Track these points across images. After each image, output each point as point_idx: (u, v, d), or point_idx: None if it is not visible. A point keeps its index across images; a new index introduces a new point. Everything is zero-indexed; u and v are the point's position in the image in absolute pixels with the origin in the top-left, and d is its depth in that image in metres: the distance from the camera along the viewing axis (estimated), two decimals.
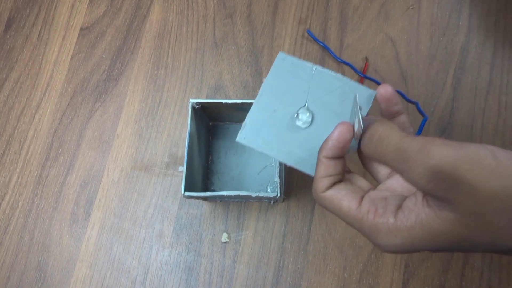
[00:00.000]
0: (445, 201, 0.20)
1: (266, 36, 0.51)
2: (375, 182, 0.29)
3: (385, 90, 0.28)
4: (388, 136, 0.23)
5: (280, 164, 0.39)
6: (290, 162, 0.29)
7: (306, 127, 0.29)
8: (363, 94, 0.29)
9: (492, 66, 0.48)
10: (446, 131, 0.46)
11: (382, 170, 0.28)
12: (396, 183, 0.27)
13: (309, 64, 0.30)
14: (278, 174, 0.38)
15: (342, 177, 0.27)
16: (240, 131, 0.29)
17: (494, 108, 0.46)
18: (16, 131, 0.50)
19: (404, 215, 0.23)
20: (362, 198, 0.25)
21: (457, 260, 0.42)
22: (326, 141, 0.26)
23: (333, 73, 0.30)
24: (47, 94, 0.51)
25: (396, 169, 0.22)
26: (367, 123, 0.25)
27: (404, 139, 0.22)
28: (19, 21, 0.54)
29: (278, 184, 0.38)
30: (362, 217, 0.24)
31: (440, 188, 0.20)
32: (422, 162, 0.20)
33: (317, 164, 0.27)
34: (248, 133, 0.30)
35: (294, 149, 0.29)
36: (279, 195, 0.37)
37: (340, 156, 0.26)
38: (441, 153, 0.20)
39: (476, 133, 0.46)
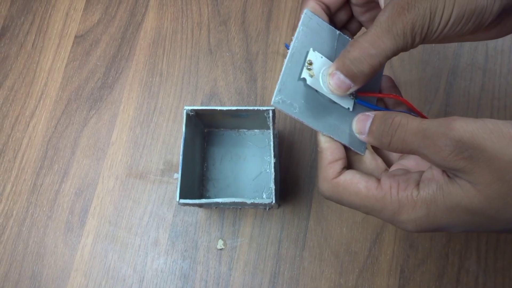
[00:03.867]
0: (466, 173, 0.21)
1: (260, 42, 0.51)
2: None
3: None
4: (407, 122, 0.23)
5: (276, 170, 0.39)
6: (327, 131, 0.27)
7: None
8: None
9: (484, 71, 0.48)
10: None
11: (393, 154, 0.28)
12: (408, 163, 0.27)
13: (332, 28, 0.28)
14: (273, 180, 0.38)
15: (346, 162, 0.27)
16: (275, 94, 0.26)
17: (487, 113, 0.47)
18: (10, 139, 0.50)
19: (426, 185, 0.23)
20: (379, 178, 0.25)
21: (452, 265, 0.42)
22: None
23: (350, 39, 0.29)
24: (41, 102, 0.51)
25: (417, 150, 0.22)
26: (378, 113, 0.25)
27: (423, 121, 0.22)
28: (13, 29, 0.54)
29: (273, 191, 0.38)
30: (385, 195, 0.24)
31: (462, 157, 0.20)
32: (444, 134, 0.21)
33: (319, 153, 0.26)
34: (284, 97, 0.26)
35: (330, 118, 0.27)
36: (274, 201, 0.37)
37: None
38: (462, 125, 0.20)
39: None
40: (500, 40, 0.49)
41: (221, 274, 0.44)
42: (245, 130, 0.47)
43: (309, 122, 0.26)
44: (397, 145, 0.23)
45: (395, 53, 0.23)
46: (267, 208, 0.45)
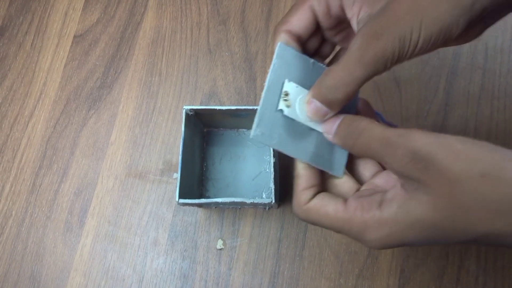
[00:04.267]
0: (420, 183, 0.22)
1: (259, 42, 0.51)
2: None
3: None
4: (372, 127, 0.24)
5: (275, 170, 0.39)
6: (306, 159, 0.28)
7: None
8: None
9: (484, 71, 0.48)
10: None
11: (365, 172, 0.29)
12: (379, 181, 0.28)
13: (306, 57, 0.29)
14: (273, 180, 0.38)
15: (321, 189, 0.28)
16: (253, 128, 0.27)
17: (487, 113, 0.47)
18: (9, 139, 0.50)
19: (387, 205, 0.24)
20: (345, 200, 0.26)
21: (452, 265, 0.42)
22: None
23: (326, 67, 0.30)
24: (40, 102, 0.51)
25: (379, 156, 0.24)
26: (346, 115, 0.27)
27: (386, 129, 0.24)
28: (12, 29, 0.54)
29: (273, 190, 0.38)
30: (350, 216, 0.25)
31: (417, 167, 0.22)
32: (403, 145, 0.22)
33: (295, 178, 0.28)
34: (263, 130, 0.27)
35: (308, 145, 0.28)
36: (274, 201, 0.37)
37: None
38: (419, 137, 0.22)
39: (469, 137, 0.46)
40: (500, 39, 0.49)
41: (221, 274, 0.43)
42: (244, 129, 0.47)
43: (289, 151, 0.28)
44: (360, 148, 0.25)
45: (368, 79, 0.25)
46: (267, 208, 0.45)
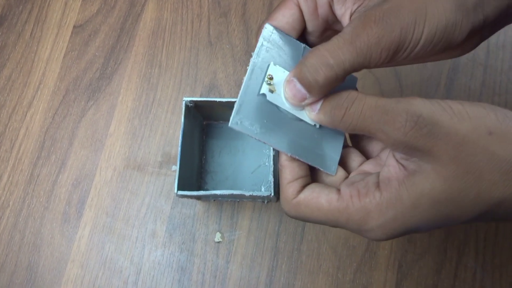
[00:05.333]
0: (424, 152, 0.20)
1: None
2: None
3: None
4: (364, 96, 0.22)
5: (275, 163, 0.39)
6: (292, 152, 0.25)
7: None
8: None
9: (485, 67, 0.48)
10: None
11: (352, 162, 0.27)
12: (367, 167, 0.26)
13: (297, 41, 0.26)
14: (272, 173, 0.38)
15: (309, 180, 0.26)
16: (232, 115, 0.24)
17: None
18: (7, 129, 0.49)
19: (386, 185, 0.22)
20: (338, 189, 0.24)
21: (450, 260, 0.42)
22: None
23: None
24: (39, 92, 0.51)
25: (375, 126, 0.21)
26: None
27: (380, 98, 0.22)
28: (11, 18, 0.53)
29: (272, 183, 0.37)
30: (347, 205, 0.23)
31: (422, 133, 0.20)
32: (404, 109, 0.20)
33: (280, 170, 0.25)
34: (243, 117, 0.24)
35: (295, 137, 0.25)
36: (273, 194, 0.37)
37: None
38: (420, 102, 0.21)
39: None
40: (502, 35, 0.49)
41: (219, 267, 0.43)
42: None
43: (273, 143, 0.25)
44: (351, 120, 0.22)
45: (354, 67, 0.22)
46: (266, 201, 0.45)
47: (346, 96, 0.22)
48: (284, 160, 0.25)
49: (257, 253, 0.44)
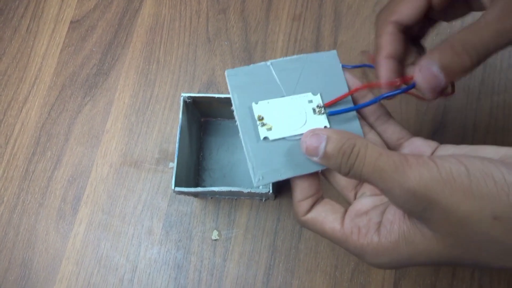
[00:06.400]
0: (423, 221, 0.21)
1: (259, 32, 0.50)
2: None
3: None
4: (366, 154, 0.22)
5: None
6: (313, 169, 0.25)
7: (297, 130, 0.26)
8: (326, 59, 0.27)
9: (484, 66, 0.48)
10: (439, 131, 0.46)
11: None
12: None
13: (261, 63, 0.27)
14: None
15: (320, 195, 0.27)
16: (252, 175, 0.25)
17: (486, 108, 0.46)
18: (2, 124, 0.49)
19: (387, 231, 0.22)
20: (343, 217, 0.25)
21: None
22: None
23: (287, 58, 0.28)
24: (35, 87, 0.50)
25: (376, 187, 0.22)
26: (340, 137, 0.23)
27: (381, 157, 0.21)
28: (7, 12, 0.53)
29: None
30: (347, 239, 0.24)
31: (417, 209, 0.20)
32: (398, 184, 0.20)
33: (292, 188, 0.26)
34: (262, 171, 0.25)
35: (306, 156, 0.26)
36: (271, 191, 0.37)
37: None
38: (415, 175, 0.20)
39: (468, 132, 0.46)
40: None
41: (216, 265, 0.43)
42: None
43: (299, 172, 0.25)
44: (355, 177, 0.23)
45: (496, 50, 0.22)
46: (263, 199, 0.44)
47: (349, 154, 0.22)
48: (295, 179, 0.26)
49: (254, 251, 0.43)
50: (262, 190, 0.36)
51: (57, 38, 0.52)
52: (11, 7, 0.53)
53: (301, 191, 0.26)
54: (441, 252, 0.21)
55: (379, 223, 0.23)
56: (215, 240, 0.44)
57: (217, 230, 0.44)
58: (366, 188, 0.27)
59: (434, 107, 0.47)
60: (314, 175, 0.26)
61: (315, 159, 0.24)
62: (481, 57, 0.22)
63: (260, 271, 0.43)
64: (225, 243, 0.44)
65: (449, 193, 0.19)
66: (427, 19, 0.28)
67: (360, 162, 0.22)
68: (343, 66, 0.28)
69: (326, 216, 0.25)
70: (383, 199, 0.25)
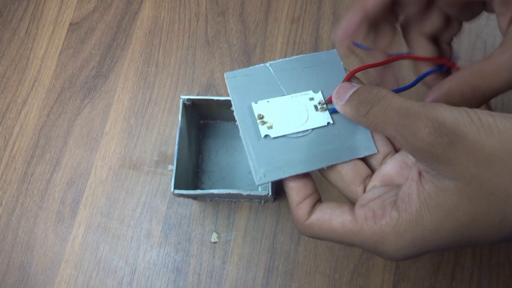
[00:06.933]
0: (443, 163, 0.19)
1: (258, 34, 0.50)
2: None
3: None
4: (392, 96, 0.21)
5: None
6: (326, 163, 0.25)
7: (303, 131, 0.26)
8: (326, 59, 0.27)
9: None
10: None
11: (372, 159, 0.26)
12: (391, 170, 0.24)
13: (260, 65, 0.27)
14: None
15: (318, 196, 0.25)
16: (254, 173, 0.25)
17: (484, 109, 0.46)
18: (1, 127, 0.49)
19: (406, 203, 0.20)
20: (352, 208, 0.23)
21: (447, 261, 0.42)
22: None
23: (287, 59, 0.28)
24: (34, 89, 0.50)
25: (395, 128, 0.20)
26: (352, 90, 0.23)
27: (408, 100, 0.21)
28: (6, 15, 0.53)
29: (270, 183, 0.37)
30: (361, 227, 0.21)
31: (440, 142, 0.18)
32: (426, 114, 0.19)
33: (286, 193, 0.25)
34: (264, 169, 0.24)
35: (317, 148, 0.25)
36: (270, 193, 0.37)
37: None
38: (445, 108, 0.19)
39: None
40: (498, 37, 0.49)
41: (215, 267, 0.43)
42: None
43: (304, 169, 0.24)
44: (373, 118, 0.21)
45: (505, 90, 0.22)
46: (263, 201, 0.44)
47: (375, 93, 0.22)
48: (288, 181, 0.24)
49: (253, 254, 0.43)
50: (261, 192, 0.36)
51: (56, 40, 0.52)
52: (10, 9, 0.53)
53: (297, 192, 0.24)
54: (467, 210, 0.19)
55: (395, 201, 0.21)
56: (214, 242, 0.44)
57: (216, 232, 0.44)
58: (376, 180, 0.24)
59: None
60: (307, 175, 0.25)
61: (340, 103, 0.24)
62: (486, 101, 0.22)
63: (259, 273, 0.43)
64: (224, 245, 0.44)
65: (476, 128, 0.18)
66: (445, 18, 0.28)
67: (385, 101, 0.21)
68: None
69: (332, 212, 0.23)
70: (396, 186, 0.23)
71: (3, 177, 0.47)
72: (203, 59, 0.50)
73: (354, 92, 0.23)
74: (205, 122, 0.47)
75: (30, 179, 0.47)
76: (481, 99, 0.22)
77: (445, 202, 0.19)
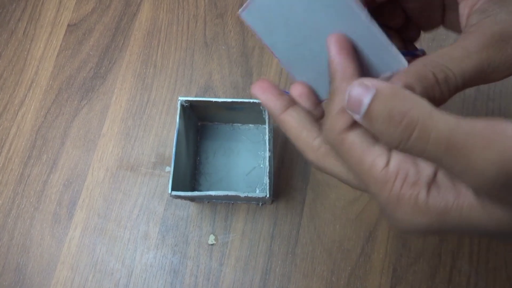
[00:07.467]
0: (501, 202, 0.16)
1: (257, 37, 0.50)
2: None
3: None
4: (428, 124, 0.16)
5: (270, 164, 0.38)
6: (291, 69, 0.21)
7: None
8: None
9: None
10: None
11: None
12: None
13: None
14: (267, 174, 0.37)
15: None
16: (246, 5, 0.21)
17: (482, 114, 0.47)
18: None
19: (439, 194, 0.18)
20: (389, 153, 0.19)
21: (444, 265, 0.42)
22: (332, 61, 0.20)
23: None
24: (31, 90, 0.50)
25: (441, 164, 0.17)
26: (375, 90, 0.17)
27: (458, 128, 0.16)
28: (4, 15, 0.53)
29: (268, 185, 0.37)
30: (387, 182, 0.18)
31: (505, 192, 0.16)
32: (491, 162, 0.15)
33: (332, 94, 0.20)
34: (255, 11, 0.21)
35: (305, 54, 0.21)
36: (268, 195, 0.36)
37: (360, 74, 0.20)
38: (506, 136, 0.15)
39: None
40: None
41: (212, 269, 0.43)
42: (239, 124, 0.47)
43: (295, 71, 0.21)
44: (411, 148, 0.17)
45: (473, 83, 0.20)
46: (260, 203, 0.44)
47: (407, 111, 0.16)
48: (342, 79, 0.19)
49: (251, 256, 0.43)
50: (259, 194, 0.36)
51: (54, 42, 0.52)
52: (8, 10, 0.53)
53: (342, 98, 0.19)
54: (507, 229, 0.17)
55: (432, 180, 0.18)
56: (212, 244, 0.44)
57: (213, 234, 0.44)
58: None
59: None
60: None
61: (357, 117, 0.18)
62: (459, 90, 0.19)
63: (257, 276, 0.43)
64: (221, 247, 0.43)
65: None
66: (408, 20, 0.26)
67: (422, 135, 0.16)
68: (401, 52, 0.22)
69: (369, 146, 0.19)
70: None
71: (0, 178, 0.47)
72: (201, 61, 0.50)
73: (371, 104, 0.17)
74: (203, 124, 0.47)
75: (26, 180, 0.47)
76: (452, 89, 0.19)
77: (483, 221, 0.17)
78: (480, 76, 0.19)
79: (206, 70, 0.50)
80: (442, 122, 0.16)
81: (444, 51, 0.20)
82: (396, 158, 0.19)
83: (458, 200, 0.18)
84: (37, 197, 0.46)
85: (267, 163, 0.38)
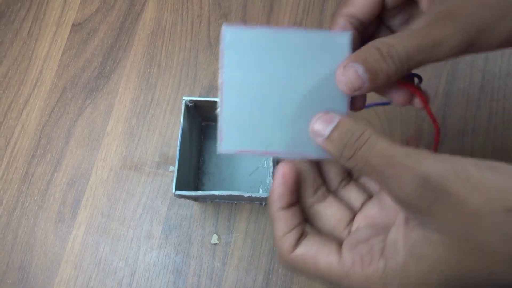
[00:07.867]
0: (429, 216, 0.18)
1: None
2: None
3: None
4: (376, 140, 0.20)
5: (274, 164, 0.38)
6: (311, 153, 0.23)
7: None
8: (333, 41, 0.23)
9: (483, 73, 0.48)
10: None
11: (356, 198, 0.25)
12: (373, 211, 0.24)
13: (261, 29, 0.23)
14: (270, 174, 0.38)
15: (304, 226, 0.23)
16: (218, 141, 0.23)
17: (485, 115, 0.47)
18: (2, 126, 0.49)
19: (392, 252, 0.20)
20: (339, 249, 0.22)
21: None
22: (271, 192, 0.23)
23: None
24: (36, 90, 0.50)
25: (380, 177, 0.20)
26: (335, 122, 0.22)
27: (392, 145, 0.20)
28: (9, 15, 0.53)
29: (271, 185, 0.37)
30: (347, 273, 0.21)
31: (426, 198, 0.18)
32: (411, 168, 0.19)
33: (273, 221, 0.23)
34: (229, 140, 0.23)
35: (288, 133, 0.23)
36: None
37: (295, 201, 0.23)
38: (431, 162, 0.19)
39: (468, 139, 0.46)
40: None
41: (215, 269, 0.43)
42: None
43: (292, 149, 0.23)
44: (356, 163, 0.21)
45: (419, 62, 0.21)
46: (263, 203, 0.44)
47: (358, 136, 0.20)
48: (275, 210, 0.23)
49: (254, 256, 0.43)
50: (262, 194, 0.36)
51: (59, 41, 0.52)
52: (13, 9, 0.53)
53: (285, 221, 0.22)
54: (453, 264, 0.18)
55: (383, 248, 0.21)
56: (215, 244, 0.44)
57: (216, 234, 0.44)
58: (360, 219, 0.24)
59: (434, 113, 0.47)
60: (296, 204, 0.23)
61: (320, 139, 0.22)
62: (405, 66, 0.21)
63: (260, 275, 0.43)
64: (224, 247, 0.44)
65: (462, 183, 0.18)
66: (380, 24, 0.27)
67: (369, 146, 0.20)
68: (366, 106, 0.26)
69: (318, 249, 0.21)
70: (383, 227, 0.23)
71: (4, 177, 0.47)
72: (205, 61, 0.50)
73: (334, 130, 0.21)
74: (207, 124, 0.47)
75: (31, 179, 0.47)
76: (397, 62, 0.21)
77: (430, 254, 0.19)
78: (425, 51, 0.21)
79: (210, 70, 0.50)
80: (384, 140, 0.20)
81: (394, 34, 0.22)
82: (347, 249, 0.21)
83: (406, 245, 0.20)
84: (41, 195, 0.46)
85: (270, 163, 0.38)
